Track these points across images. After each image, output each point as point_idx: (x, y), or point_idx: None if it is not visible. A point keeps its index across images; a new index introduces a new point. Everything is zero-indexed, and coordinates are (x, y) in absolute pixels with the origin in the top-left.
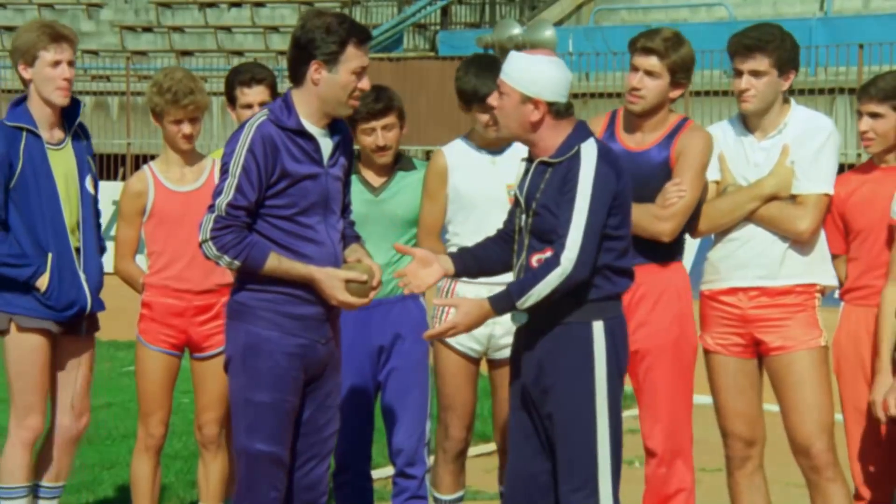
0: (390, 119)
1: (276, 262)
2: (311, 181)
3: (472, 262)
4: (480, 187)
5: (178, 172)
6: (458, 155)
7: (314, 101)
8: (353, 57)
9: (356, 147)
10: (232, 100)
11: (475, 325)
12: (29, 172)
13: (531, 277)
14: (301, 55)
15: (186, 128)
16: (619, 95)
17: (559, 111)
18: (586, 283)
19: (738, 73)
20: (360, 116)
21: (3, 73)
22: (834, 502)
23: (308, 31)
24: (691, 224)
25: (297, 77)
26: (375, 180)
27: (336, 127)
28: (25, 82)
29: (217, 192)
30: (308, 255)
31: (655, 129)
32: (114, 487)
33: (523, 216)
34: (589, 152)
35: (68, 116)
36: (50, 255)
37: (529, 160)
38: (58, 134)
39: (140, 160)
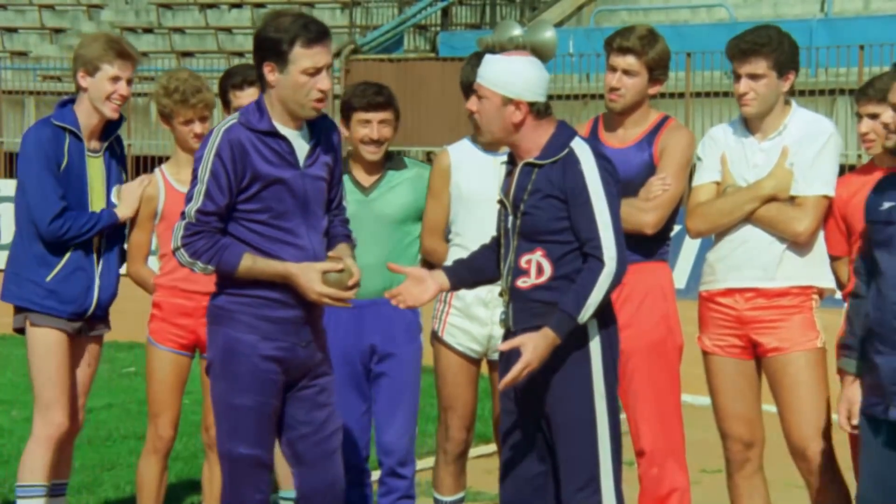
0: (387, 115)
1: (251, 262)
2: (284, 184)
3: (466, 274)
4: (482, 187)
5: (189, 174)
6: (462, 154)
7: (276, 102)
8: (301, 57)
9: (348, 148)
10: (226, 103)
11: (545, 356)
12: (68, 172)
13: (581, 288)
14: (256, 56)
15: (197, 127)
16: None
17: (540, 111)
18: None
19: (737, 77)
20: (359, 106)
21: (4, 75)
22: None
23: (260, 30)
24: (672, 220)
25: (260, 79)
26: (366, 179)
27: (314, 124)
28: (80, 88)
29: (188, 199)
30: (284, 258)
31: (637, 126)
32: (114, 488)
33: (510, 218)
34: (584, 151)
35: (108, 128)
36: (68, 255)
37: (511, 162)
38: (94, 143)
39: (140, 161)
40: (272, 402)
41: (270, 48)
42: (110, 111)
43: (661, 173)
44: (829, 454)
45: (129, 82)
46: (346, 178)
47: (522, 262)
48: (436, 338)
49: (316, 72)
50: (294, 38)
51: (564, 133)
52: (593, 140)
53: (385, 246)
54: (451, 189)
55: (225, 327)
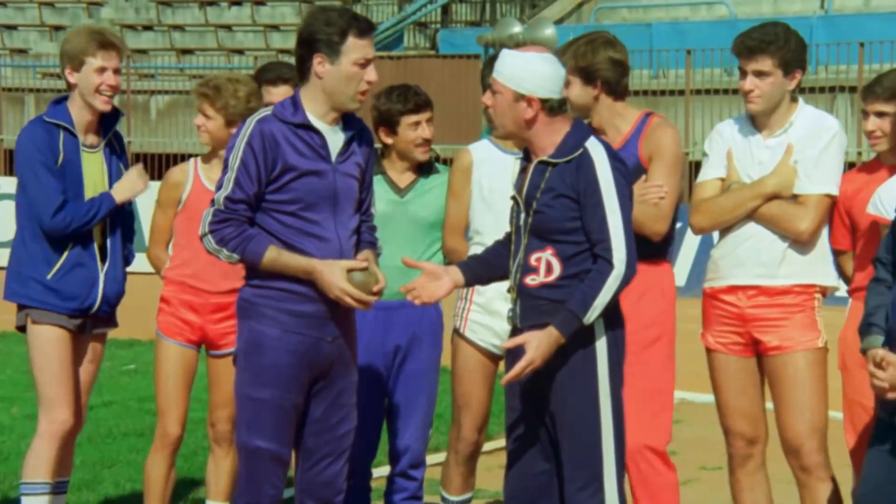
0: (431, 113)
1: (275, 254)
2: (315, 177)
3: (481, 270)
4: (501, 187)
5: (219, 173)
6: (482, 153)
7: (320, 95)
8: (355, 48)
9: (378, 146)
10: (259, 98)
11: (549, 354)
12: (64, 168)
13: (588, 289)
14: (304, 50)
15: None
16: None
17: (553, 108)
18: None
19: (743, 74)
20: (407, 109)
21: (3, 72)
22: (822, 502)
23: (309, 24)
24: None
25: (303, 73)
26: (401, 181)
27: (349, 123)
28: (70, 86)
29: (217, 187)
30: (309, 251)
31: (620, 129)
32: (114, 485)
33: (522, 215)
34: (598, 152)
35: (105, 124)
36: (68, 249)
37: (526, 159)
38: (92, 138)
39: (140, 158)
40: (292, 398)
41: (322, 40)
42: (101, 104)
43: (655, 179)
44: (822, 452)
45: (117, 72)
46: (380, 178)
47: (532, 260)
48: (457, 334)
49: (366, 63)
50: (346, 30)
51: (580, 132)
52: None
53: (416, 248)
54: (472, 188)
55: (250, 320)
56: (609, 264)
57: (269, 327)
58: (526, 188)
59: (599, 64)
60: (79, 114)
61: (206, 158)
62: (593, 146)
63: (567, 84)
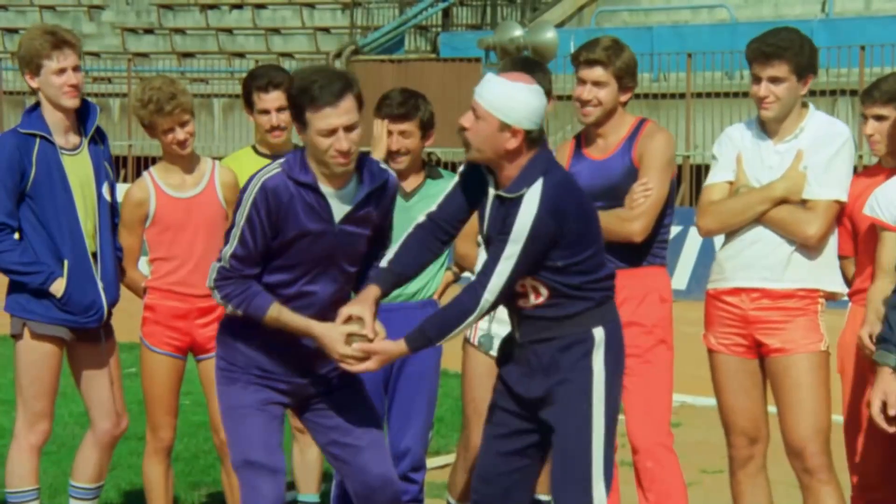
0: (408, 126)
1: (277, 313)
2: (310, 239)
3: (396, 279)
4: None
5: (179, 178)
6: None
7: (312, 161)
8: (314, 120)
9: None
10: (249, 105)
11: (388, 363)
12: (43, 179)
13: (450, 318)
14: (291, 114)
15: (179, 134)
16: None
17: (534, 140)
18: (573, 300)
19: (757, 80)
20: (380, 115)
21: (5, 76)
22: None
23: (288, 89)
24: (661, 223)
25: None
26: (407, 185)
27: (367, 179)
28: (34, 91)
29: (225, 239)
30: (294, 306)
31: (615, 134)
32: (115, 489)
33: (486, 252)
34: (531, 200)
35: (84, 121)
36: (66, 262)
37: (481, 192)
38: (73, 139)
39: (141, 161)
40: (273, 409)
41: (293, 109)
42: (69, 101)
43: (642, 178)
44: (826, 455)
45: (77, 69)
46: None
47: (517, 287)
48: (468, 343)
49: (330, 133)
50: (309, 102)
51: (535, 167)
52: (577, 156)
53: None
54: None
55: (226, 337)
56: (476, 301)
57: (244, 343)
58: (486, 226)
59: (635, 70)
60: (52, 117)
61: (161, 166)
62: (532, 193)
63: (599, 84)
